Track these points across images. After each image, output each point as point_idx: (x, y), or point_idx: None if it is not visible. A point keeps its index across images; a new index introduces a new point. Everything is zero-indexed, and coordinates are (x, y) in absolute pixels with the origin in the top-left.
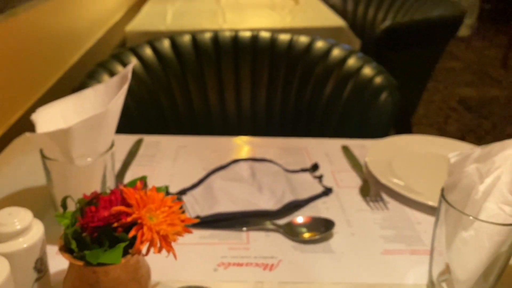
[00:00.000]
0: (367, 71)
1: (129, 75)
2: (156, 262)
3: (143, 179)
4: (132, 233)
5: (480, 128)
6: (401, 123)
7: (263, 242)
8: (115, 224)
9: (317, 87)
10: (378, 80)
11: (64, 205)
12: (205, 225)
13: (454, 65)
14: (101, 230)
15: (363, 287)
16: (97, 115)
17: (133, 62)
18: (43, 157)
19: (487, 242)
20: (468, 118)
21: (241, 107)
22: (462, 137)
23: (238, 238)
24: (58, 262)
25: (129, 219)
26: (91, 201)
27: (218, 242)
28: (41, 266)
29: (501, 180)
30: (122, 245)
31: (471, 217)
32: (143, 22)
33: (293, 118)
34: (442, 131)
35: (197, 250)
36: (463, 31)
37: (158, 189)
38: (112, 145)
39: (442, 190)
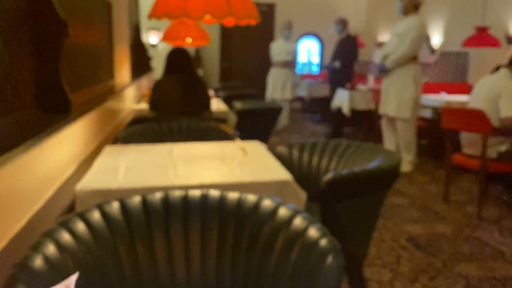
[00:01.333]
0: (312, 232)
1: None
2: None
3: None
4: None
5: (431, 268)
6: (353, 271)
7: None
8: None
9: (265, 249)
10: (323, 243)
11: None
12: None
13: (400, 201)
14: None
15: None
16: None
17: (76, 274)
18: None
19: None
20: (419, 257)
21: (190, 274)
22: (415, 279)
23: None
24: None
25: None
26: None
27: None
28: None
29: None
30: None
31: None
32: (94, 179)
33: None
34: (395, 272)
35: None
36: (405, 167)
37: None
38: None
39: None
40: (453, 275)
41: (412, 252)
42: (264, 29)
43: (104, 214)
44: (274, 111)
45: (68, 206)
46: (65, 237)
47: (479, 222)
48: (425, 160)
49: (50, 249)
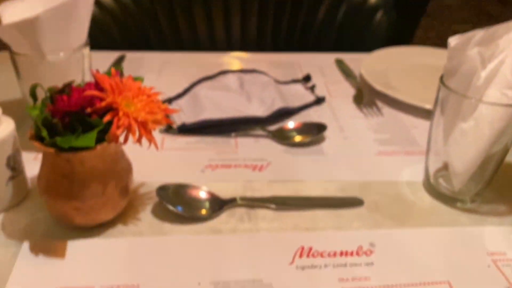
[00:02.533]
0: None
1: None
2: (141, 165)
3: (118, 68)
4: (107, 118)
5: None
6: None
7: (252, 147)
8: (89, 110)
9: (310, 11)
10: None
11: (34, 95)
12: (191, 132)
13: (450, 2)
14: (74, 116)
15: (355, 184)
16: (66, 3)
17: None
18: (11, 53)
19: (487, 131)
20: None
21: (230, 36)
22: None
23: (226, 143)
24: (36, 167)
25: (103, 103)
26: (63, 90)
27: (205, 147)
28: (14, 165)
29: (505, 64)
30: (97, 129)
31: (472, 100)
32: None
33: (285, 43)
34: None
35: (183, 155)
36: None
37: (135, 79)
38: (87, 43)
39: (441, 76)
40: None
41: None
42: None
43: None
44: None
45: None
46: None
47: None
48: None
49: None
